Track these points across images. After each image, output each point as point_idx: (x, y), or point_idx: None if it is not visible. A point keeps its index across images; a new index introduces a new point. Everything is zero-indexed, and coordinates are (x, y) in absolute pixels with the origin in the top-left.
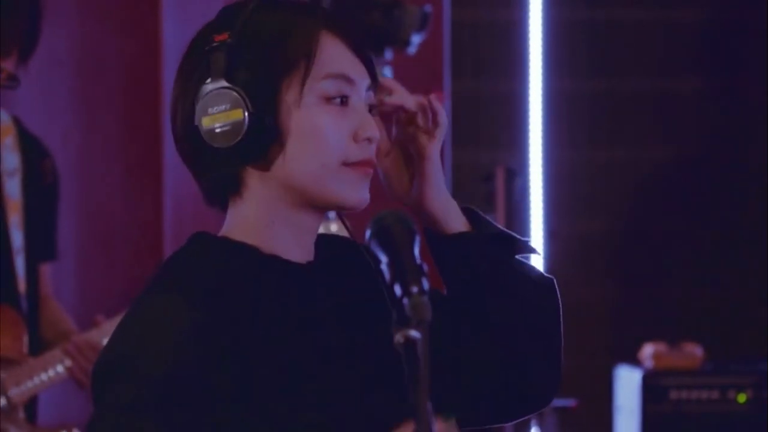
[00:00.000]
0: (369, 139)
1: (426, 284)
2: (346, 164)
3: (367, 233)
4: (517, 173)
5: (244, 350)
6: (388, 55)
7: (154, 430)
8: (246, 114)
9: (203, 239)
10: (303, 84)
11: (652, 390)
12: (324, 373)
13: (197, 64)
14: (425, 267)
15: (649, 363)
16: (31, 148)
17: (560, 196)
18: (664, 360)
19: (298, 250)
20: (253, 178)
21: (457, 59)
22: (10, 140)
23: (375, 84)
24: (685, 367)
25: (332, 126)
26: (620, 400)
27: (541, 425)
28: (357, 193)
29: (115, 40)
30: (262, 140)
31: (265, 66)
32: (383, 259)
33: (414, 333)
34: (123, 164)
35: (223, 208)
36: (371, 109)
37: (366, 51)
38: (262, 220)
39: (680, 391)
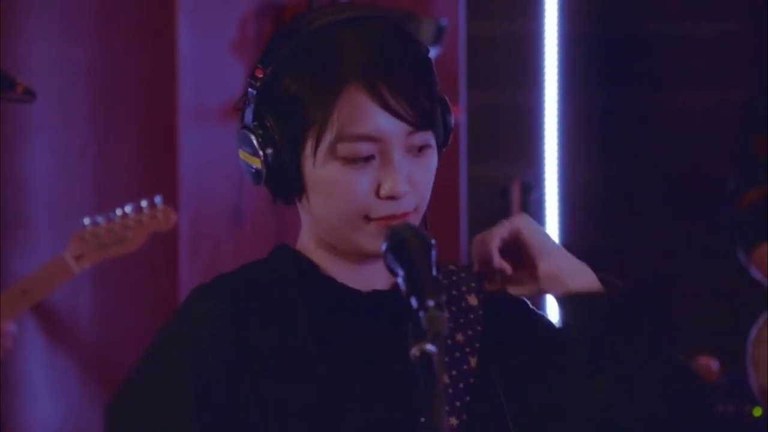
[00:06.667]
0: (392, 197)
1: (442, 298)
2: (368, 218)
3: (383, 246)
4: (532, 187)
5: (264, 359)
6: None
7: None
8: (262, 165)
9: (280, 251)
10: (316, 147)
11: None
12: (335, 398)
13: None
14: (442, 280)
15: None
16: None
17: (575, 210)
18: None
19: (357, 277)
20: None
21: (473, 72)
22: None
23: (423, 119)
24: None
25: (349, 185)
26: None
27: None
28: (378, 243)
29: (132, 53)
30: (285, 188)
31: (287, 119)
32: (399, 272)
33: (430, 347)
34: (139, 176)
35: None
36: (421, 148)
37: (401, 98)
38: (311, 242)
39: None
